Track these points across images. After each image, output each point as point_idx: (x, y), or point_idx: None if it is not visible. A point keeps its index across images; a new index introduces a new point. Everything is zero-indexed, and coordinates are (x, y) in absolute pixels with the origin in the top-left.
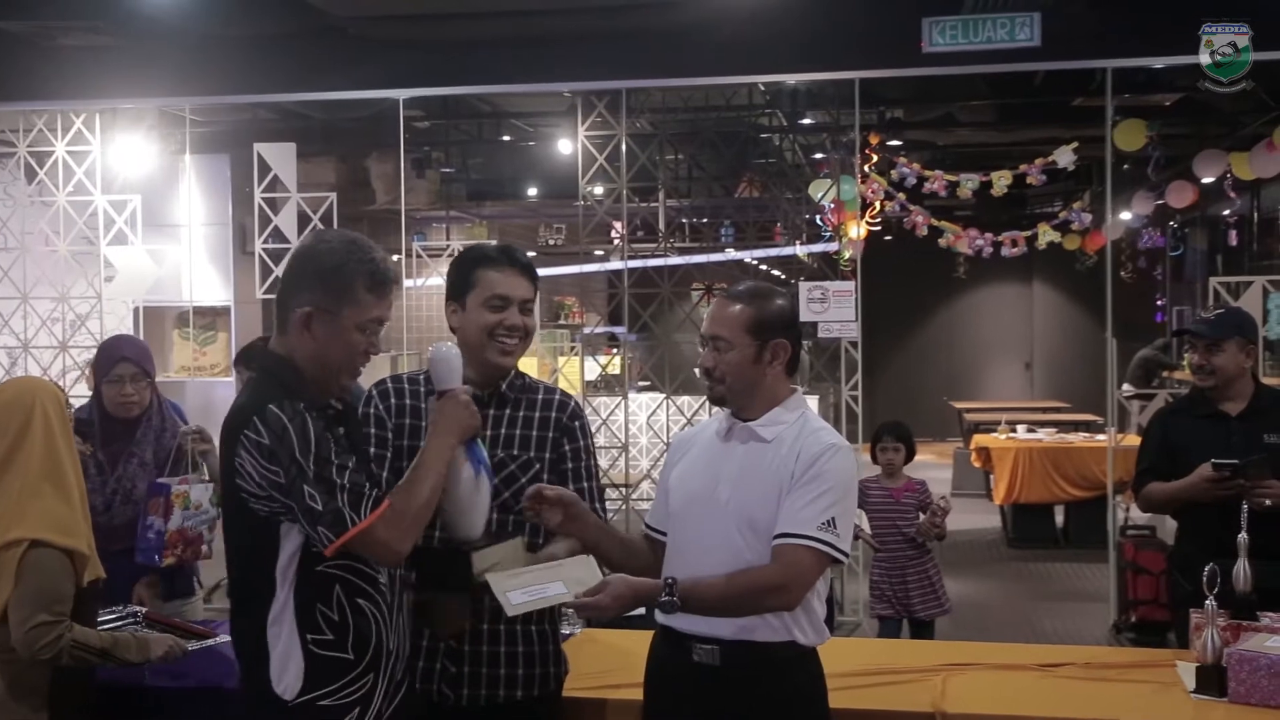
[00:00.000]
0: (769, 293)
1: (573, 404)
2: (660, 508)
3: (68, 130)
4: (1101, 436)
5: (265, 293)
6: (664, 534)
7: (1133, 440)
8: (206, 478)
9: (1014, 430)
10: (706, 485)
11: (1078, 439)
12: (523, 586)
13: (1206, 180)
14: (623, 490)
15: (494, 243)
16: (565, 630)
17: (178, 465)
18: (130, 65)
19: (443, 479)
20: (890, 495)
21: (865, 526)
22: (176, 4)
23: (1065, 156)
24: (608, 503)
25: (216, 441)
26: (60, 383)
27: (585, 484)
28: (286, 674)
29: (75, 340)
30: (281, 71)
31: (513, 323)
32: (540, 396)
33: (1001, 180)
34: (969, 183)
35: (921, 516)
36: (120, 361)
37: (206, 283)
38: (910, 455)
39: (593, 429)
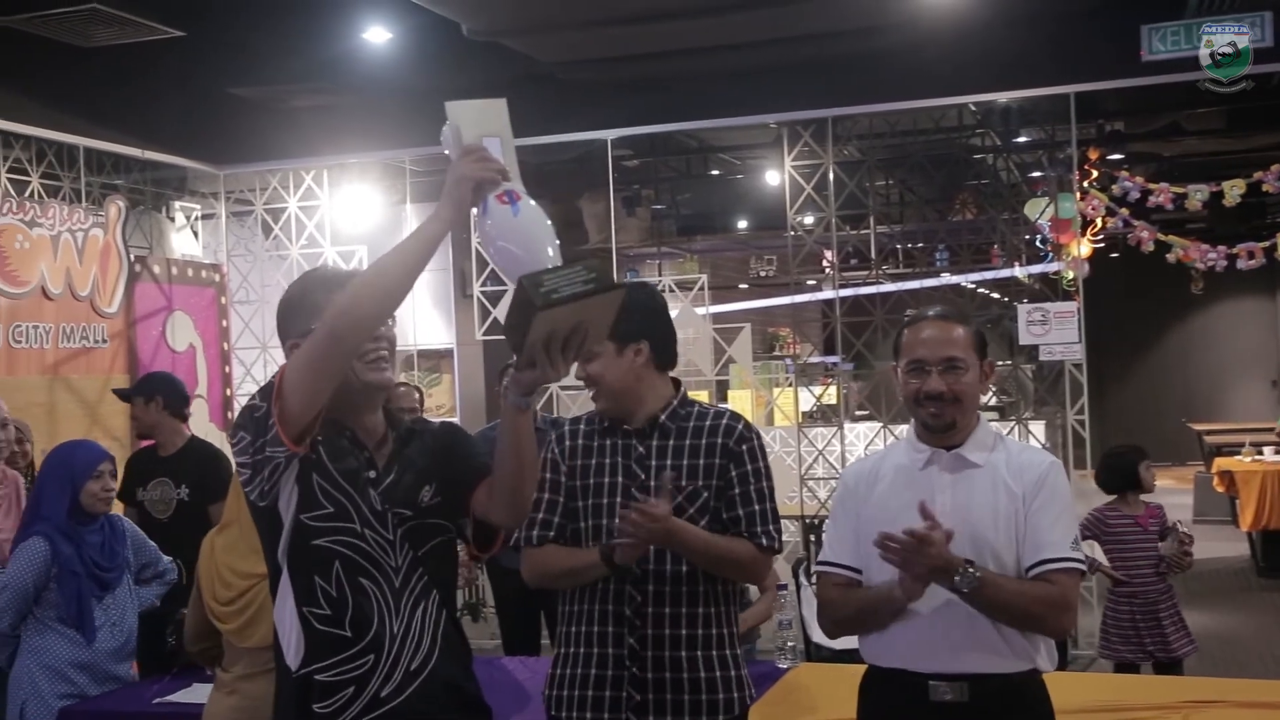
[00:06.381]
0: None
1: (740, 427)
2: (851, 544)
3: (299, 187)
4: None
5: (484, 334)
6: (858, 570)
7: None
8: None
9: (1260, 452)
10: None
11: None
12: None
13: None
14: None
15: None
16: (783, 664)
17: None
18: (354, 122)
19: (418, 256)
20: (1136, 523)
21: (1102, 558)
22: (394, 61)
23: None
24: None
25: None
26: None
27: (755, 507)
28: (289, 647)
29: None
30: None
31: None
32: (707, 423)
33: (1234, 190)
34: (1198, 194)
35: (1161, 545)
36: None
37: (430, 326)
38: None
39: (810, 459)
